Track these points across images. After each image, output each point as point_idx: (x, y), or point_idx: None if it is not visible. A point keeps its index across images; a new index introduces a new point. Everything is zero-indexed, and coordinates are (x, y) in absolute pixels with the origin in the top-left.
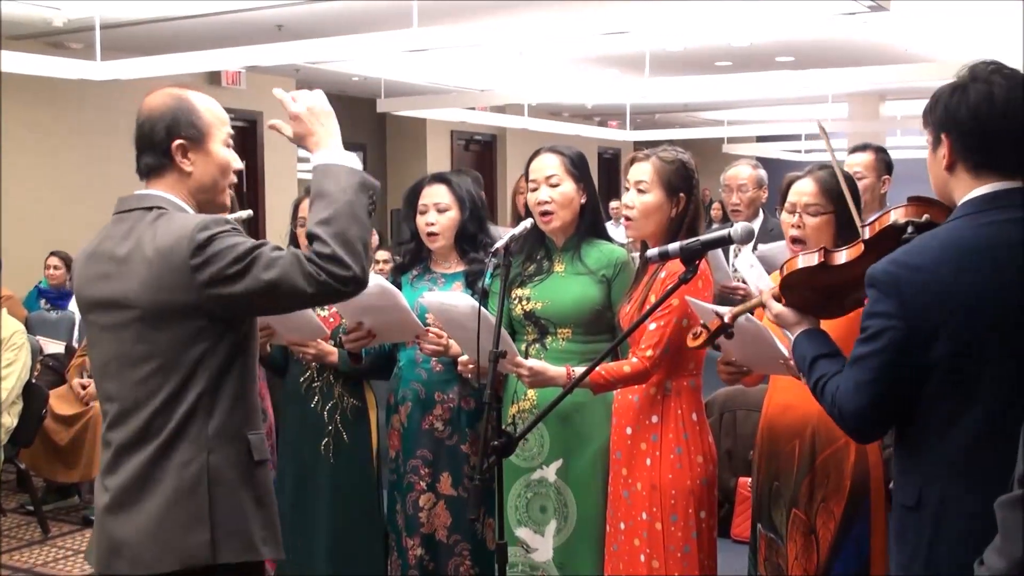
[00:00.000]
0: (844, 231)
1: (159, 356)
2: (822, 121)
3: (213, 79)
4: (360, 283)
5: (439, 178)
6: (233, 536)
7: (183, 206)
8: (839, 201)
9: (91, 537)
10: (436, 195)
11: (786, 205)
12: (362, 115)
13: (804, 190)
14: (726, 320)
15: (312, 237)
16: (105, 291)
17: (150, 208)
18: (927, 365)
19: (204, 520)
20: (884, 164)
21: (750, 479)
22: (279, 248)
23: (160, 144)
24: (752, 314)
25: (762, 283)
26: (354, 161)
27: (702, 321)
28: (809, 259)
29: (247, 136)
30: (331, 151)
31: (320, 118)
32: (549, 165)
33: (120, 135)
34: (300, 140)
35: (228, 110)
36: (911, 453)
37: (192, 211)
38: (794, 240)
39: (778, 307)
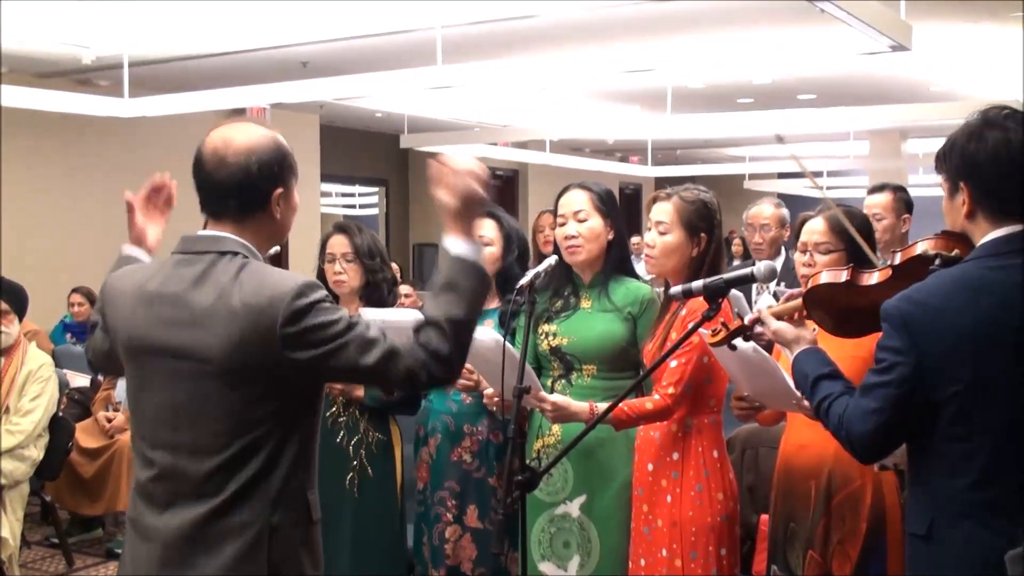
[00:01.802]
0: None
1: (228, 413)
2: (783, 136)
3: (237, 115)
4: (444, 388)
5: (488, 212)
6: None
7: (256, 253)
8: (850, 239)
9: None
10: (483, 228)
11: (798, 244)
12: (385, 150)
13: (814, 229)
14: (746, 322)
15: (435, 326)
16: (176, 339)
17: (224, 253)
18: (935, 401)
19: None
20: (903, 203)
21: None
22: (372, 328)
23: (261, 188)
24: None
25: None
26: (480, 255)
27: (721, 320)
28: (835, 275)
29: None
30: (469, 242)
31: (474, 206)
32: (577, 200)
33: (146, 172)
34: (445, 212)
35: None
36: (923, 483)
37: (260, 256)
38: (805, 279)
39: (777, 324)
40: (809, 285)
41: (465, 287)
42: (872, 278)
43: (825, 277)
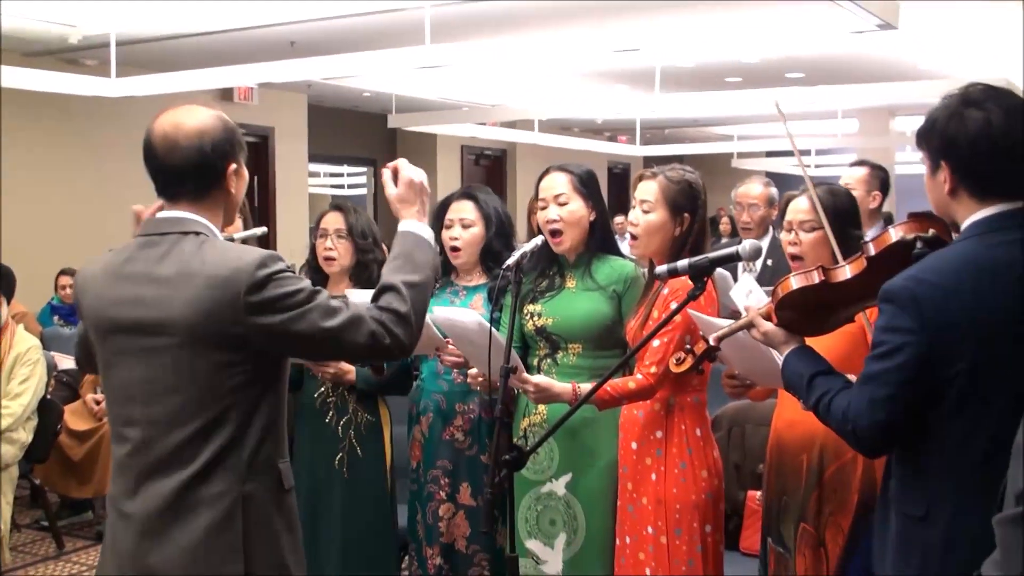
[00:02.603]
0: (840, 246)
1: (195, 384)
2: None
3: (225, 95)
4: (406, 353)
5: (466, 194)
6: (267, 566)
7: (216, 231)
8: (833, 216)
9: (104, 560)
10: (462, 211)
11: (784, 223)
12: (373, 130)
13: (799, 207)
14: (711, 342)
15: (391, 289)
16: (144, 314)
17: (187, 233)
18: (944, 380)
19: (239, 551)
20: (878, 180)
21: (759, 492)
22: (335, 300)
23: (214, 167)
24: (749, 331)
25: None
26: (428, 232)
27: (687, 346)
28: (807, 278)
29: (259, 152)
30: (421, 224)
31: (423, 194)
32: (558, 184)
33: (134, 152)
34: (399, 201)
35: (240, 126)
36: (917, 464)
37: (219, 234)
38: (792, 257)
39: (767, 326)
40: (780, 294)
41: (417, 255)
42: (845, 272)
43: (796, 282)
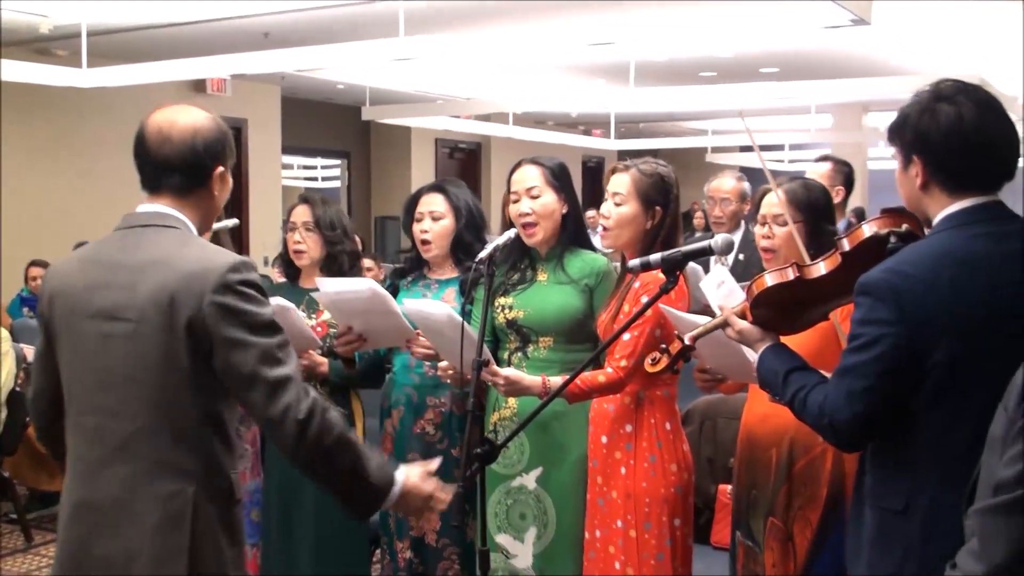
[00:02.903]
0: (814, 240)
1: (149, 375)
2: (746, 114)
3: (198, 86)
4: (283, 444)
5: (436, 187)
6: (209, 572)
7: (193, 229)
8: (807, 211)
9: (57, 550)
10: (432, 203)
11: (758, 217)
12: (347, 123)
13: (772, 201)
14: (687, 342)
15: (333, 423)
16: (110, 300)
17: (165, 227)
18: (923, 372)
19: (183, 554)
20: (842, 176)
21: (730, 486)
22: (289, 348)
23: (203, 166)
24: (724, 330)
25: (731, 300)
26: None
27: (662, 346)
28: (781, 275)
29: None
30: (397, 491)
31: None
32: (530, 177)
33: (106, 143)
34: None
35: None
36: (897, 458)
37: (196, 233)
38: (765, 251)
39: (742, 324)
40: (754, 291)
41: (370, 471)
42: (820, 269)
43: (771, 279)
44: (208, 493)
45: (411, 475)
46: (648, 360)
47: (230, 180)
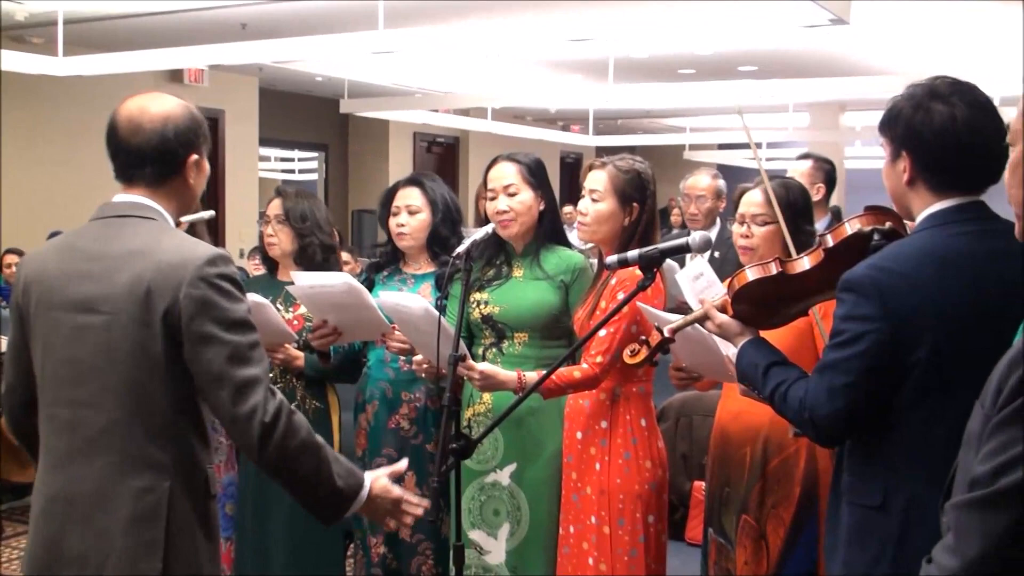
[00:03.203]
0: (793, 240)
1: (123, 367)
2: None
3: (175, 76)
4: (247, 445)
5: (413, 181)
6: (184, 568)
7: (170, 220)
8: (786, 210)
9: (28, 543)
10: (408, 197)
11: (737, 215)
12: (325, 115)
13: (752, 200)
14: (666, 334)
15: (301, 427)
16: (86, 291)
17: (143, 218)
18: (905, 369)
19: (159, 549)
20: (823, 173)
21: (705, 483)
22: (260, 348)
23: (175, 154)
24: (702, 324)
25: (709, 293)
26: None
27: (641, 337)
28: (764, 270)
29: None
30: (362, 497)
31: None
32: (507, 174)
33: (81, 132)
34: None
35: None
36: (875, 454)
37: (173, 224)
38: (743, 249)
39: (722, 318)
40: (736, 286)
41: (337, 476)
42: (803, 264)
43: (753, 274)
44: (183, 487)
45: (378, 479)
46: (627, 351)
47: (207, 168)
